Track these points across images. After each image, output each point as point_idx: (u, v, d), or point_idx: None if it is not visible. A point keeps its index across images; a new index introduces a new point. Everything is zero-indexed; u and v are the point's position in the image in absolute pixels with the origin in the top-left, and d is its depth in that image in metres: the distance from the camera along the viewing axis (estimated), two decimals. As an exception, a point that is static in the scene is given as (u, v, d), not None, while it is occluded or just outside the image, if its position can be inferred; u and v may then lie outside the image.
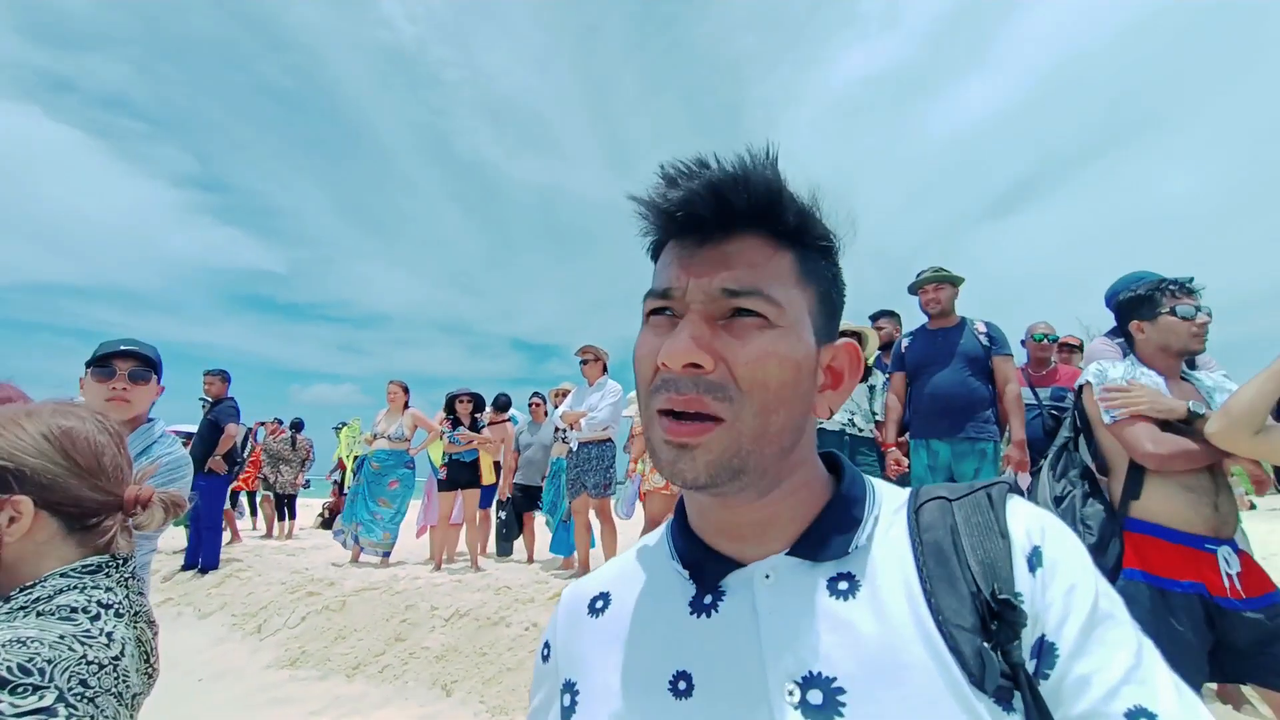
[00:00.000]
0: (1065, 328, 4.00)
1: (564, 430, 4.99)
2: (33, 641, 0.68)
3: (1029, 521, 0.48)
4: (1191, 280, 1.84)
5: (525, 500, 5.85)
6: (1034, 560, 0.46)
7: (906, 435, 3.59)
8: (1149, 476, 1.75)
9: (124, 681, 0.75)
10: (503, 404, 6.61)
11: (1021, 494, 0.52)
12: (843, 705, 0.43)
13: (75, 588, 0.77)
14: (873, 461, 3.71)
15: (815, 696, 0.44)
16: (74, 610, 0.74)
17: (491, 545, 6.26)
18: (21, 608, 0.73)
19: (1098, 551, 1.73)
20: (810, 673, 0.44)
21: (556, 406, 5.56)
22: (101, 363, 1.65)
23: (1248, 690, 2.05)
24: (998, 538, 0.47)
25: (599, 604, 0.57)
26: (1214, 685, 2.42)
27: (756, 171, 0.46)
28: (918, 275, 3.52)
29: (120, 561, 0.85)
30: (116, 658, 0.75)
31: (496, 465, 6.03)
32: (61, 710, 0.66)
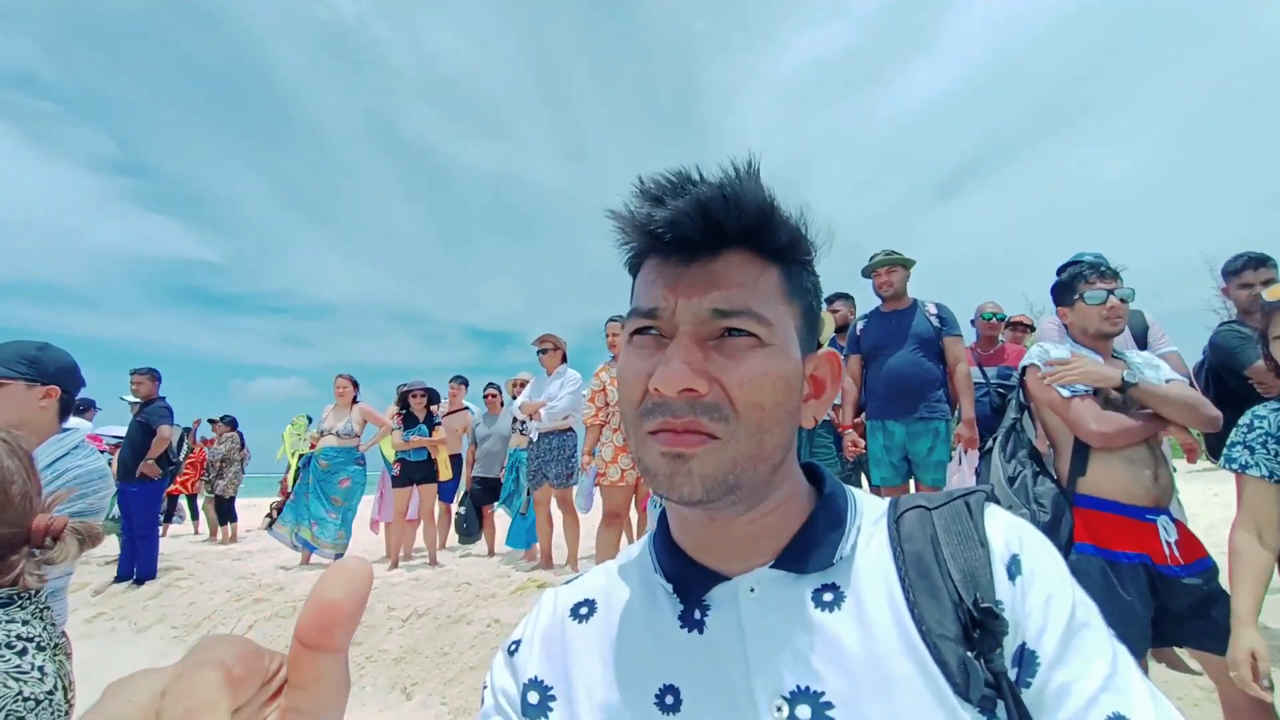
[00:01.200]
0: (1013, 305, 4.16)
1: (523, 421, 4.89)
2: None
3: (1007, 530, 0.49)
4: (1107, 266, 1.91)
5: (484, 493, 5.74)
6: (1013, 568, 0.47)
7: (862, 416, 3.67)
8: (1093, 453, 1.82)
9: (61, 717, 0.71)
10: (464, 380, 6.43)
11: (998, 501, 0.53)
12: None
13: None
14: (830, 444, 3.77)
15: (804, 711, 0.44)
16: None
17: (452, 539, 6.13)
18: None
19: (1052, 528, 1.79)
20: (798, 687, 0.45)
21: (514, 397, 5.45)
22: None
23: (1182, 652, 2.18)
24: (977, 546, 0.48)
25: (584, 610, 0.56)
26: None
27: (747, 190, 0.45)
28: (870, 259, 3.57)
29: (31, 593, 0.78)
30: (51, 692, 0.70)
31: (453, 459, 5.88)
32: None
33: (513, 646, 0.57)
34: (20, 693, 0.66)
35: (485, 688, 0.57)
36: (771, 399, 0.46)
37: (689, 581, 0.51)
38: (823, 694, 0.44)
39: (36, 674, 0.70)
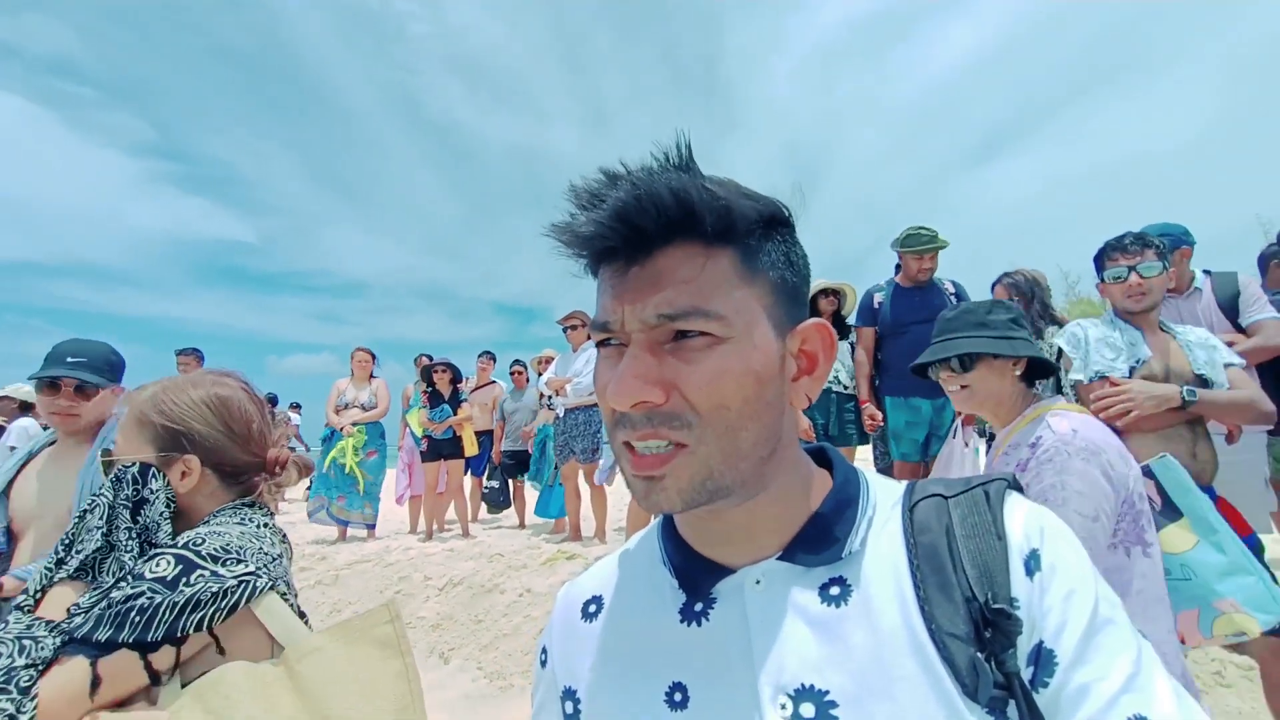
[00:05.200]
0: (1049, 277, 4.00)
1: (549, 397, 4.96)
2: (224, 533, 0.87)
3: (1027, 522, 0.46)
4: (1135, 240, 1.84)
5: (514, 466, 5.87)
6: (1032, 564, 0.44)
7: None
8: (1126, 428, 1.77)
9: (287, 578, 0.93)
10: (491, 355, 6.49)
11: (1020, 490, 0.50)
12: (835, 719, 0.43)
13: (239, 514, 0.95)
14: (856, 418, 3.75)
15: (808, 710, 0.43)
16: (241, 522, 0.93)
17: (482, 514, 6.29)
18: (206, 524, 0.91)
19: None
20: (803, 685, 0.44)
21: (540, 374, 5.51)
22: (46, 379, 1.64)
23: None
24: (994, 539, 0.45)
25: (591, 608, 0.57)
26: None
27: (661, 184, 0.42)
28: (905, 234, 3.42)
29: (267, 507, 1.02)
30: (279, 556, 0.93)
31: (486, 434, 5.99)
32: (264, 576, 0.85)
33: (544, 657, 0.58)
34: (261, 547, 0.89)
35: (532, 694, 0.59)
36: (737, 397, 0.43)
37: (694, 575, 0.50)
38: (827, 692, 0.43)
39: (269, 539, 0.93)
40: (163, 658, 0.77)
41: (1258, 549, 1.69)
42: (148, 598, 0.77)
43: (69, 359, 1.66)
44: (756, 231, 0.46)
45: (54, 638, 0.76)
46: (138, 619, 0.76)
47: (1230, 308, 2.48)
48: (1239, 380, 1.77)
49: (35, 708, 0.71)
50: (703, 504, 0.44)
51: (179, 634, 0.77)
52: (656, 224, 0.43)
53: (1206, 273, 2.57)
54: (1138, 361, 1.80)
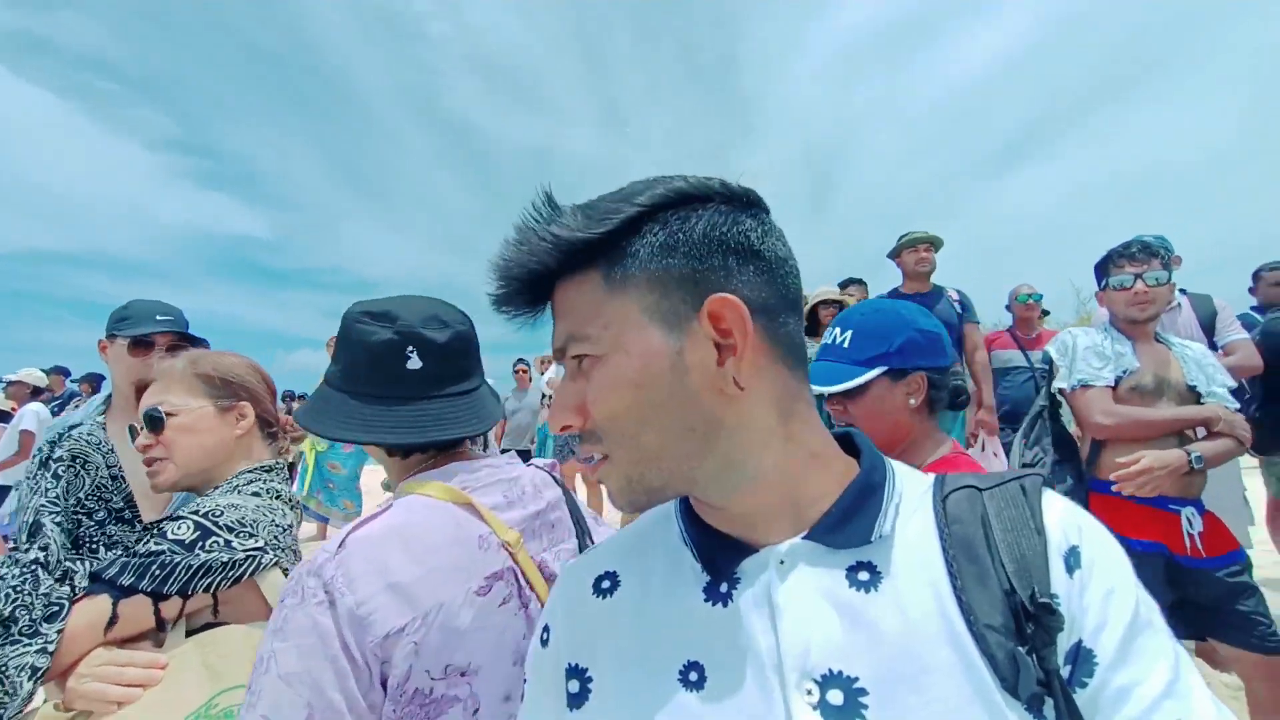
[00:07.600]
0: (1060, 292, 3.98)
1: (550, 396, 5.00)
2: (240, 506, 0.97)
3: (1066, 518, 0.46)
4: (1143, 248, 1.82)
5: (514, 465, 5.90)
6: (1071, 560, 0.43)
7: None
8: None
9: (295, 547, 1.03)
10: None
11: (1053, 487, 0.50)
12: (865, 708, 0.41)
13: (258, 480, 1.06)
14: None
15: (835, 697, 0.42)
16: (258, 493, 1.03)
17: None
18: (231, 489, 1.03)
19: None
20: (830, 671, 0.42)
21: (542, 373, 5.55)
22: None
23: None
24: (1033, 534, 0.45)
25: (605, 584, 0.54)
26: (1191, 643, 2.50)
27: (512, 253, 0.47)
28: (901, 238, 3.49)
29: (281, 465, 1.15)
30: (289, 526, 1.04)
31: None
32: (270, 552, 0.95)
33: (545, 635, 0.56)
34: (274, 520, 0.99)
35: (524, 681, 0.57)
36: (621, 405, 0.45)
37: (716, 553, 0.49)
38: (856, 679, 0.42)
39: (281, 512, 1.03)
40: (170, 607, 0.88)
41: (1243, 566, 1.68)
42: (168, 555, 0.88)
43: (158, 316, 1.63)
44: (617, 240, 0.45)
45: (55, 578, 0.86)
46: (158, 572, 0.86)
47: (1209, 326, 2.73)
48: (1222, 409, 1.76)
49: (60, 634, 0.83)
50: (647, 502, 0.48)
51: (190, 591, 0.88)
52: (529, 280, 0.48)
53: (1182, 291, 2.83)
54: (1125, 371, 1.80)
